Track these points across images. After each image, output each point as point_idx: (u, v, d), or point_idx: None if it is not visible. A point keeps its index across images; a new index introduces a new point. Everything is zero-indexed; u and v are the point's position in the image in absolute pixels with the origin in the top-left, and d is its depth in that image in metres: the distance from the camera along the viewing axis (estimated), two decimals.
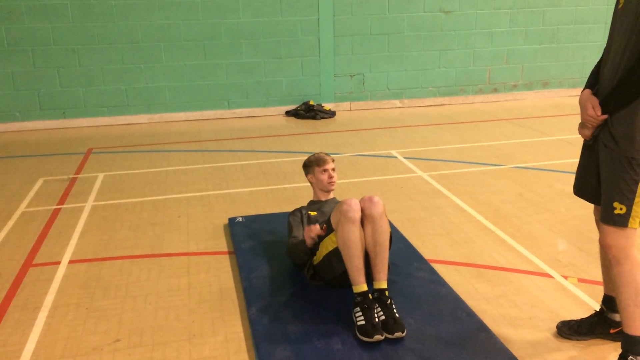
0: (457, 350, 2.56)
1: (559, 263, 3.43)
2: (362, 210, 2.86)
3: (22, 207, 4.54)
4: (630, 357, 2.39)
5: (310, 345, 2.61)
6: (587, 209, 4.25)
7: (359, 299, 2.74)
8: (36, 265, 3.57)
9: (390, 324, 2.64)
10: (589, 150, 2.53)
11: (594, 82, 2.51)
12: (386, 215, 2.90)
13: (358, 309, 2.71)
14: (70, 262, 3.60)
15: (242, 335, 2.80)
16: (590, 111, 2.39)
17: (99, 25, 6.98)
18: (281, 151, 6.00)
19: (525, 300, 3.06)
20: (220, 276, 3.39)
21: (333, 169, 3.45)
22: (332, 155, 3.53)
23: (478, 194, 4.61)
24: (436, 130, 6.77)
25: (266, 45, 7.47)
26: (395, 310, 2.71)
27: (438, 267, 3.37)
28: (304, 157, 5.47)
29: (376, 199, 2.88)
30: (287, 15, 7.43)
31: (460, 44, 8.07)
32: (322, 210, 3.35)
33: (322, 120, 7.43)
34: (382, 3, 7.65)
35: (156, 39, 7.17)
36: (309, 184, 3.62)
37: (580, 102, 2.47)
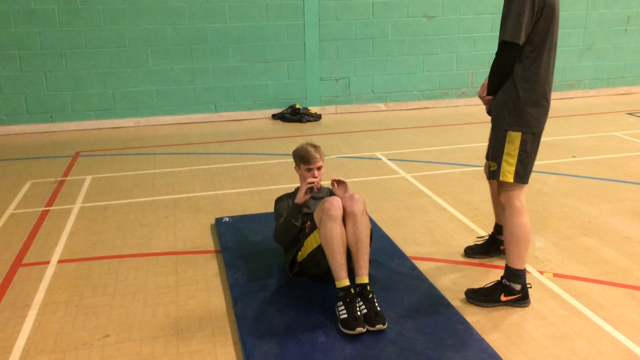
0: (436, 341, 2.66)
1: (536, 259, 3.55)
2: (344, 208, 2.94)
3: (11, 209, 4.58)
4: (504, 280, 3.04)
5: (294, 339, 2.70)
6: (564, 207, 4.41)
7: (341, 293, 2.83)
8: (25, 265, 3.62)
9: (371, 317, 2.74)
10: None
11: None
12: (366, 213, 3.00)
13: (341, 303, 2.80)
14: (59, 261, 3.66)
15: (228, 330, 2.88)
16: (481, 92, 3.11)
17: (86, 29, 7.03)
18: (267, 153, 6.09)
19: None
20: (207, 274, 3.47)
21: (319, 168, 3.24)
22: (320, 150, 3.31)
23: (459, 194, 4.73)
24: (420, 133, 6.90)
25: (252, 50, 7.57)
26: (376, 304, 2.81)
27: (419, 264, 3.47)
28: (290, 160, 5.55)
29: (357, 196, 2.98)
30: (273, 20, 7.53)
31: (444, 48, 8.22)
32: (307, 204, 3.29)
33: (308, 123, 7.53)
34: (367, 8, 7.78)
35: (143, 43, 7.23)
36: (294, 184, 3.68)
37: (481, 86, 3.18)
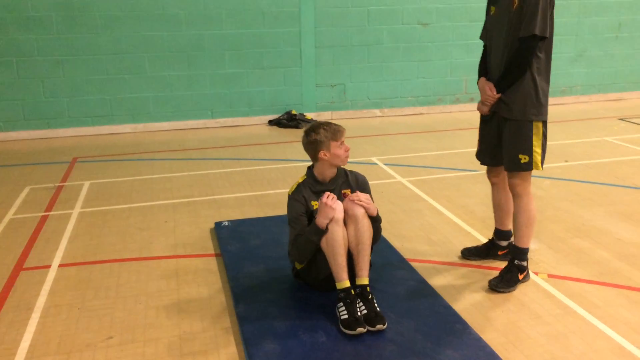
0: (435, 340, 2.71)
1: (531, 260, 3.61)
2: (345, 211, 2.99)
3: (10, 214, 4.61)
4: (516, 260, 3.28)
5: (296, 339, 2.75)
6: (557, 210, 4.48)
7: (342, 294, 2.88)
8: (27, 269, 3.65)
9: (371, 318, 2.79)
10: (486, 124, 3.37)
11: (484, 72, 3.36)
12: (367, 215, 3.04)
13: (341, 304, 2.85)
14: (61, 265, 3.69)
15: (230, 331, 2.93)
16: (489, 92, 3.19)
17: (83, 36, 7.08)
18: (265, 159, 6.15)
19: (499, 295, 3.23)
20: (208, 277, 3.51)
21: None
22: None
23: (455, 197, 4.80)
24: (415, 138, 6.98)
25: (249, 56, 7.64)
26: (376, 305, 2.86)
27: (417, 266, 3.53)
28: (288, 165, 5.59)
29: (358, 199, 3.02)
30: (270, 27, 7.60)
31: (438, 55, 8.32)
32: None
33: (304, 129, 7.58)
34: (362, 15, 7.87)
35: (140, 50, 7.28)
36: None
37: (480, 87, 3.30)
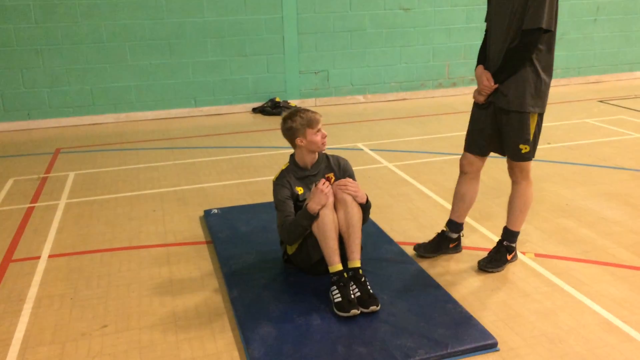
0: (427, 319, 2.77)
1: (518, 240, 3.67)
2: (334, 195, 3.01)
3: None
4: (505, 242, 3.35)
5: (291, 322, 2.78)
6: (542, 191, 4.56)
7: (335, 277, 2.91)
8: (16, 260, 3.63)
9: (365, 299, 2.83)
10: (480, 111, 3.26)
11: (483, 59, 3.22)
12: (367, 208, 3.07)
13: (334, 287, 2.89)
14: (50, 256, 3.67)
15: (225, 317, 2.95)
16: (486, 82, 3.10)
17: (63, 25, 6.97)
18: (250, 146, 6.14)
19: (488, 275, 3.30)
20: (200, 264, 3.52)
21: (322, 126, 3.11)
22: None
23: (441, 181, 4.85)
24: (399, 124, 7.02)
25: (231, 44, 7.59)
26: (369, 287, 2.90)
27: (407, 248, 3.58)
28: (273, 152, 5.60)
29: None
30: (252, 14, 7.56)
31: (420, 40, 8.34)
32: (310, 186, 3.14)
33: None
34: (344, 1, 7.86)
35: (121, 39, 7.20)
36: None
37: (477, 76, 3.19)
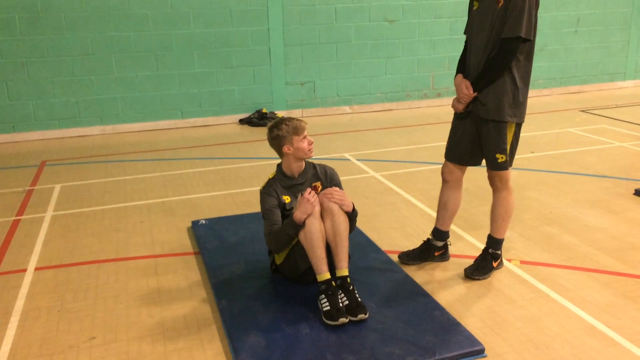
0: (415, 327, 2.79)
1: (503, 248, 3.72)
2: (321, 204, 3.03)
3: None
4: (491, 249, 3.40)
5: (280, 332, 2.79)
6: (526, 199, 4.62)
7: (323, 286, 2.93)
8: (2, 273, 3.60)
9: (353, 308, 2.85)
10: (460, 121, 3.32)
11: (462, 69, 3.28)
12: (354, 217, 3.10)
13: (323, 295, 2.90)
14: (37, 269, 3.65)
15: (214, 326, 2.95)
16: (465, 90, 3.15)
17: (48, 37, 6.95)
18: (238, 157, 6.15)
19: (475, 282, 3.33)
20: (188, 275, 3.52)
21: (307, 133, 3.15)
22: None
23: (427, 190, 4.90)
24: (386, 134, 7.08)
25: (218, 55, 7.62)
26: (357, 295, 2.92)
27: (394, 257, 3.61)
28: (261, 162, 5.63)
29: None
30: (238, 26, 7.60)
31: (405, 51, 8.44)
32: (297, 195, 3.15)
33: None
34: (330, 13, 7.94)
35: (107, 51, 7.19)
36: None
37: (456, 84, 3.24)
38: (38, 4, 6.81)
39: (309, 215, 2.94)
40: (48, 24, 6.91)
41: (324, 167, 3.31)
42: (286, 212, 3.14)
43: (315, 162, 3.32)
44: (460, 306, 3.08)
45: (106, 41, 7.15)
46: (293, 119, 3.15)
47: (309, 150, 3.12)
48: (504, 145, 3.16)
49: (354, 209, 3.10)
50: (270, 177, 3.22)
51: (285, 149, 3.11)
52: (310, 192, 2.97)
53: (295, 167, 3.18)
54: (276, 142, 3.13)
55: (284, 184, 3.18)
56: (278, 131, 3.10)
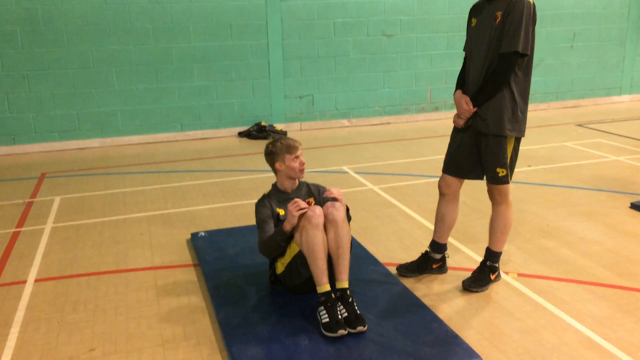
0: (414, 339, 2.81)
1: (500, 261, 3.75)
2: (325, 216, 3.06)
3: None
4: (489, 262, 3.42)
5: (279, 343, 2.80)
6: (523, 212, 4.65)
7: (322, 298, 2.95)
8: (2, 285, 3.61)
9: (352, 320, 2.87)
10: (459, 134, 3.35)
11: (461, 85, 3.33)
12: (347, 220, 3.14)
13: (322, 307, 2.92)
14: (37, 280, 3.66)
15: (213, 338, 2.96)
16: (465, 106, 3.20)
17: (50, 50, 7.01)
18: (237, 170, 6.19)
19: (472, 294, 3.36)
20: (187, 287, 3.54)
21: (302, 154, 3.28)
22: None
23: (426, 203, 4.94)
24: (384, 147, 7.13)
25: (217, 69, 7.68)
26: (356, 307, 2.94)
27: (392, 269, 3.63)
28: (260, 175, 5.68)
29: (338, 204, 3.10)
30: (237, 40, 7.67)
31: (403, 65, 8.52)
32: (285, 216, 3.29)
33: None
34: (328, 28, 8.02)
35: (107, 64, 7.25)
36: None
37: (456, 100, 3.29)
38: (40, 17, 6.88)
39: (311, 224, 2.97)
40: (49, 37, 6.97)
41: (317, 186, 3.43)
42: (280, 223, 3.21)
43: (311, 181, 3.44)
44: (458, 318, 3.10)
45: (107, 54, 7.22)
46: (288, 138, 3.32)
47: (300, 170, 3.25)
48: (504, 160, 3.19)
49: (348, 211, 3.17)
50: (265, 193, 3.37)
51: (277, 165, 3.26)
52: (294, 204, 3.00)
53: (288, 185, 3.32)
54: (270, 158, 3.29)
55: (278, 198, 3.30)
56: (272, 147, 3.27)
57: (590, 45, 9.45)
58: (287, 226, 3.02)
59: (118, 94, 7.38)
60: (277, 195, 3.31)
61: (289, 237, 3.07)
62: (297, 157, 3.23)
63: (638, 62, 9.85)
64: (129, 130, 7.54)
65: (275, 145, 3.26)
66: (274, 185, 3.36)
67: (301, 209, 2.98)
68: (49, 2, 6.88)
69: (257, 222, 3.26)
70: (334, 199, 3.13)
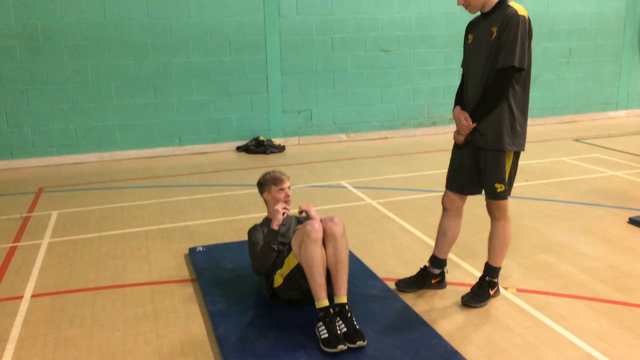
0: (413, 355, 2.79)
1: (500, 276, 3.74)
2: (324, 230, 3.07)
3: None
4: (487, 277, 3.41)
5: (277, 359, 2.78)
6: (521, 227, 4.65)
7: (321, 313, 2.94)
8: None
9: (351, 335, 2.85)
10: (459, 150, 3.36)
11: (460, 101, 3.36)
12: (345, 235, 3.13)
13: (321, 323, 2.91)
14: (33, 296, 3.64)
15: (211, 354, 2.94)
16: (464, 122, 3.21)
17: (49, 65, 7.03)
18: (235, 184, 6.18)
19: (472, 310, 3.34)
20: (184, 302, 3.52)
21: (289, 187, 3.52)
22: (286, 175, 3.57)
23: (424, 217, 4.93)
24: (382, 162, 7.14)
25: (216, 83, 7.71)
26: (355, 322, 2.93)
27: (391, 284, 3.62)
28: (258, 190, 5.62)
29: (337, 219, 3.11)
30: (236, 55, 7.71)
31: (400, 80, 8.56)
32: (281, 232, 3.39)
33: (272, 154, 7.67)
34: (326, 43, 8.07)
35: (106, 79, 7.28)
36: (264, 213, 3.78)
37: (455, 116, 3.31)
38: (39, 33, 6.91)
39: (310, 239, 3.00)
40: (49, 52, 7.00)
41: (306, 219, 3.50)
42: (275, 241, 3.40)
43: (305, 205, 3.61)
44: (458, 334, 3.08)
45: (106, 69, 7.24)
46: (278, 171, 3.58)
47: (285, 202, 3.45)
48: (502, 175, 3.19)
49: None
50: (257, 223, 3.57)
51: (265, 195, 3.56)
52: (279, 204, 3.36)
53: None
54: (259, 188, 3.60)
55: (268, 226, 3.42)
56: (262, 179, 3.58)
57: (586, 61, 9.52)
58: (275, 225, 3.29)
59: (116, 108, 7.39)
60: (267, 224, 3.46)
61: (277, 237, 3.27)
62: (282, 189, 3.48)
63: (634, 77, 9.92)
64: (127, 144, 7.54)
65: (264, 177, 3.55)
66: (265, 217, 3.59)
67: (285, 208, 3.33)
68: (49, 17, 6.91)
69: (249, 245, 3.42)
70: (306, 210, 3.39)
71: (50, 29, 6.95)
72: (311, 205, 3.56)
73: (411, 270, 3.82)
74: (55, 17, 6.93)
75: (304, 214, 3.56)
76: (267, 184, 3.51)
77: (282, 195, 3.47)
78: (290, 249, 3.17)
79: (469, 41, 3.28)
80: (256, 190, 3.70)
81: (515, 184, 3.37)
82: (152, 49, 7.36)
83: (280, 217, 3.30)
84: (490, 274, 3.43)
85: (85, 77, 7.19)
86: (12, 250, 4.43)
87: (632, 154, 7.20)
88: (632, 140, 8.06)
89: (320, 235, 3.01)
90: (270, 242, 3.27)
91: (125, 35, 7.22)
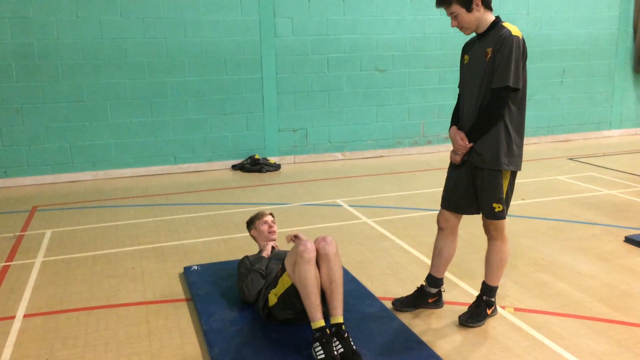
0: None
1: (497, 295, 3.72)
2: (317, 250, 3.05)
3: None
4: (485, 297, 3.40)
5: None
6: (518, 246, 4.64)
7: (317, 334, 2.90)
8: None
9: (348, 355, 2.82)
10: (455, 171, 3.37)
11: (456, 121, 3.37)
12: (339, 254, 3.11)
13: (317, 343, 2.87)
14: (25, 316, 3.59)
15: None
16: (460, 142, 3.22)
17: (44, 84, 7.04)
18: (230, 203, 6.16)
19: (469, 329, 3.32)
20: (179, 322, 3.48)
21: (273, 221, 3.79)
22: (276, 206, 3.81)
23: (420, 236, 4.92)
24: (377, 180, 7.14)
25: (212, 102, 7.73)
26: (352, 343, 2.89)
27: (388, 304, 3.59)
28: (254, 208, 5.69)
29: (329, 238, 3.10)
30: (232, 74, 7.74)
31: (395, 99, 8.61)
32: (269, 266, 3.53)
33: (267, 173, 7.66)
34: (322, 63, 8.12)
35: (102, 98, 7.28)
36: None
37: (451, 136, 3.32)
38: (35, 52, 6.93)
39: (303, 259, 2.97)
40: (44, 71, 7.01)
41: None
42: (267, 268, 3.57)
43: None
44: (456, 354, 3.05)
45: (101, 88, 7.25)
46: (261, 210, 3.87)
47: (269, 232, 3.72)
48: (500, 195, 3.19)
49: None
50: (247, 255, 3.76)
51: (252, 232, 3.82)
52: (268, 223, 3.72)
53: (268, 248, 3.72)
54: (248, 229, 3.87)
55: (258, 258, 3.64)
56: (249, 219, 3.85)
57: (580, 80, 9.61)
58: (265, 254, 3.59)
59: (112, 127, 7.39)
60: (258, 259, 3.64)
61: (267, 264, 3.49)
62: (265, 221, 3.72)
63: (627, 97, 10.01)
64: (122, 163, 7.52)
65: (251, 217, 3.84)
66: (258, 252, 3.76)
67: (272, 231, 3.66)
68: (45, 37, 6.93)
69: (238, 274, 3.57)
70: (295, 237, 3.37)
71: (46, 48, 6.97)
72: (297, 232, 3.45)
73: (408, 290, 3.80)
74: (51, 36, 6.96)
75: (291, 243, 3.42)
76: (252, 221, 3.81)
77: (265, 227, 3.71)
78: (284, 269, 3.14)
79: (465, 62, 3.30)
80: (251, 208, 3.77)
81: (511, 203, 3.37)
82: (148, 68, 7.38)
83: (269, 248, 3.53)
84: (488, 293, 3.41)
85: (81, 95, 7.19)
86: (5, 269, 4.38)
87: (626, 172, 7.24)
88: (626, 159, 8.10)
89: (313, 254, 2.99)
90: (258, 268, 3.45)
91: (121, 54, 7.25)
